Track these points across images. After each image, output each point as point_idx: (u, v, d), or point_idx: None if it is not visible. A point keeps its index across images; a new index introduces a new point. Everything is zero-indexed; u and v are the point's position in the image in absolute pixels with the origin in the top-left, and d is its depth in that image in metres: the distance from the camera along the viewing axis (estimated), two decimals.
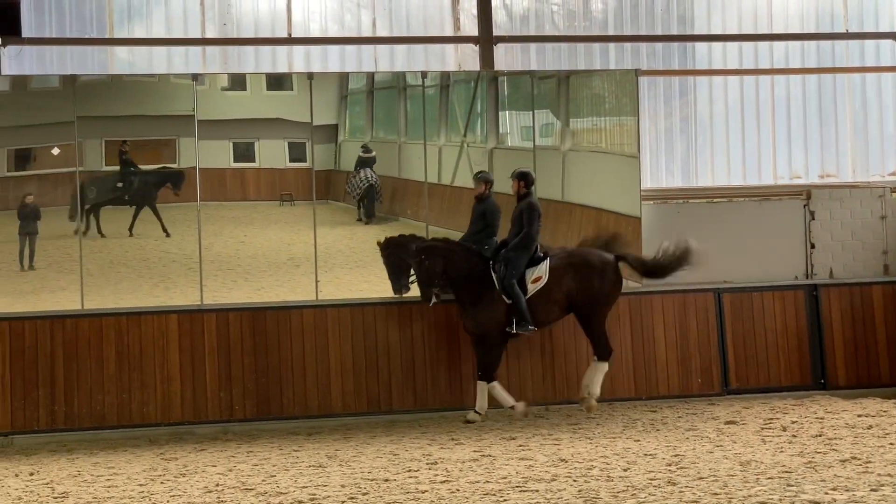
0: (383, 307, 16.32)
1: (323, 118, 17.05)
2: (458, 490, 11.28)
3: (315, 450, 14.04)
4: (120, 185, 16.70)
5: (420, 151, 17.18)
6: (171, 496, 11.58)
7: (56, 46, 15.73)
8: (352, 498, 11.09)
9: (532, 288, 15.65)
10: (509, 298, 15.52)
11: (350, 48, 16.78)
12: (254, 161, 17.59)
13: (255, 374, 15.90)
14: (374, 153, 17.44)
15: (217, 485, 12.03)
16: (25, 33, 15.58)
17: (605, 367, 15.83)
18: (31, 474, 13.07)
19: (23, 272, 16.41)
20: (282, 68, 16.70)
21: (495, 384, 15.71)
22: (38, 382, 15.36)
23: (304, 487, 11.68)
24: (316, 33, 16.57)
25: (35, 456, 14.32)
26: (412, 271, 15.83)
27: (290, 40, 16.42)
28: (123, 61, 16.19)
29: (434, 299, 15.72)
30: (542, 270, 15.72)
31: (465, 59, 16.99)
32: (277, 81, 17.38)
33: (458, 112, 17.92)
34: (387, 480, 11.89)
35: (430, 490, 11.32)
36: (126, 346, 15.67)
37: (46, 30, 15.64)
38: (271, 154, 17.52)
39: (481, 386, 15.70)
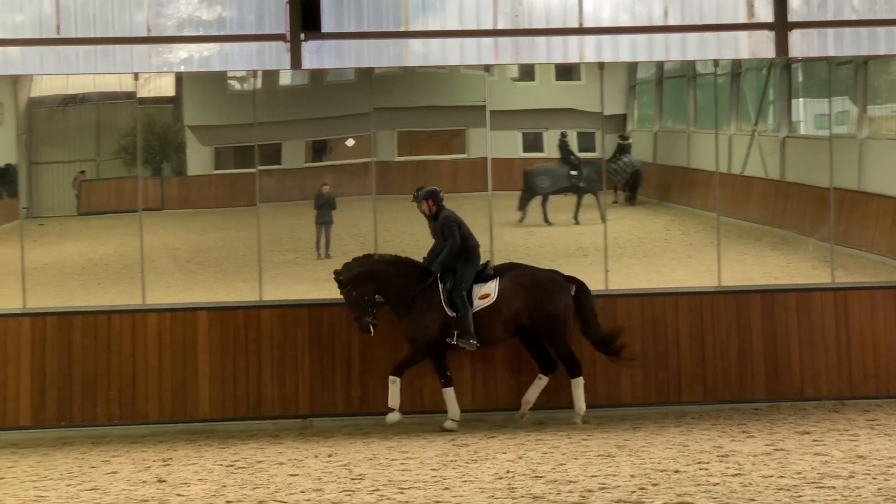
0: (672, 297, 16.16)
1: (610, 108, 17.00)
2: (750, 484, 11.08)
3: (604, 439, 14.02)
4: (574, 173, 17.05)
5: (708, 140, 16.94)
6: (463, 481, 11.74)
7: (354, 40, 16.10)
8: (641, 488, 11.03)
9: (479, 304, 15.36)
10: (454, 310, 15.26)
11: (641, 37, 16.64)
12: (542, 151, 17.67)
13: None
14: (631, 140, 17.32)
15: (507, 471, 12.15)
16: (325, 28, 16.01)
17: (581, 381, 15.37)
18: (330, 456, 13.48)
19: (319, 260, 16.90)
20: (572, 58, 16.69)
21: (397, 379, 15.21)
22: (336, 368, 15.80)
23: (593, 476, 11.68)
24: (606, 23, 16.51)
25: (333, 438, 14.76)
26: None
27: (580, 30, 16.41)
28: (418, 53, 16.46)
29: (372, 329, 15.26)
30: (491, 288, 15.41)
31: (759, 46, 16.61)
32: (566, 71, 17.41)
33: (748, 100, 17.60)
34: (677, 472, 11.78)
35: (721, 483, 11.16)
36: None
37: (345, 24, 16.03)
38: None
39: (447, 393, 15.34)
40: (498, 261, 15.97)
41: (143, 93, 16.47)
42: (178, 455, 13.85)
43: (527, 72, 17.32)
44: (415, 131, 17.40)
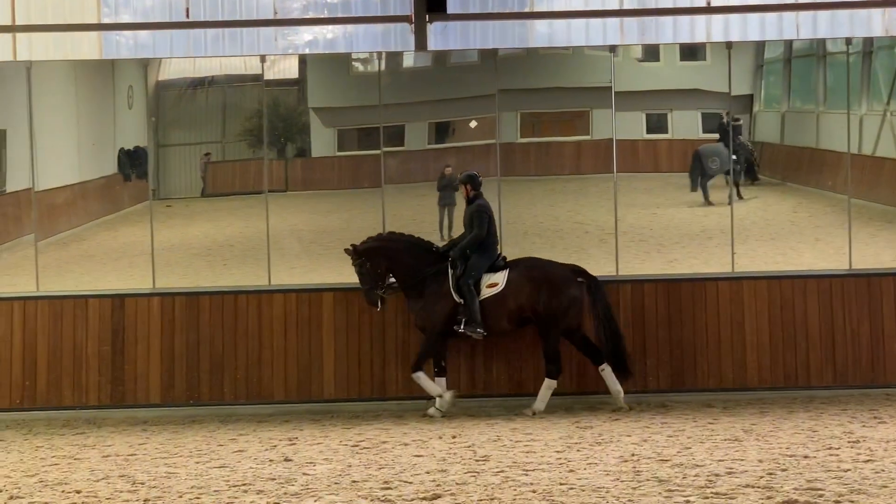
0: (801, 280, 15.92)
1: (737, 88, 16.77)
2: (882, 471, 10.87)
3: (730, 423, 13.87)
4: (734, 157, 16.99)
5: (838, 121, 16.63)
6: (587, 463, 11.69)
7: (478, 21, 16.07)
8: (770, 473, 10.87)
9: (486, 292, 15.30)
10: (461, 297, 15.21)
11: (770, 16, 16.36)
12: (666, 132, 17.48)
13: (669, 346, 15.84)
14: (741, 121, 17.03)
15: (632, 454, 12.07)
16: (450, 9, 16.01)
17: (553, 384, 15.24)
18: (454, 437, 13.51)
19: (442, 242, 16.92)
20: (699, 38, 16.49)
21: (420, 374, 15.26)
22: (459, 350, 15.81)
23: (720, 461, 11.55)
24: (735, 2, 16.24)
25: (456, 420, 14.79)
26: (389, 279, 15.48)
27: (708, 9, 16.18)
28: (542, 34, 16.38)
29: (381, 304, 15.40)
30: (500, 278, 15.33)
31: (893, 23, 16.25)
32: (691, 51, 17.20)
33: (881, 79, 17.22)
34: (806, 457, 11.61)
35: (852, 469, 10.96)
36: None
37: (470, 5, 16.00)
38: (684, 125, 17.38)
39: (440, 382, 15.34)
40: (623, 244, 15.90)
41: (268, 75, 16.61)
42: (303, 434, 13.98)
43: (651, 52, 17.14)
44: (537, 112, 17.33)
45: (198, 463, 12.41)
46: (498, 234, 15.67)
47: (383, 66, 16.68)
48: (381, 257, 15.40)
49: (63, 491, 11.19)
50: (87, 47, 16.20)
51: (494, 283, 15.33)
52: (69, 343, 15.83)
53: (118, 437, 14.20)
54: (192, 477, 11.65)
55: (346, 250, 15.45)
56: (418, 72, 17.43)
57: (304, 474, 11.58)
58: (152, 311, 15.79)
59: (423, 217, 17.08)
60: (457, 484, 10.89)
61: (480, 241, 15.38)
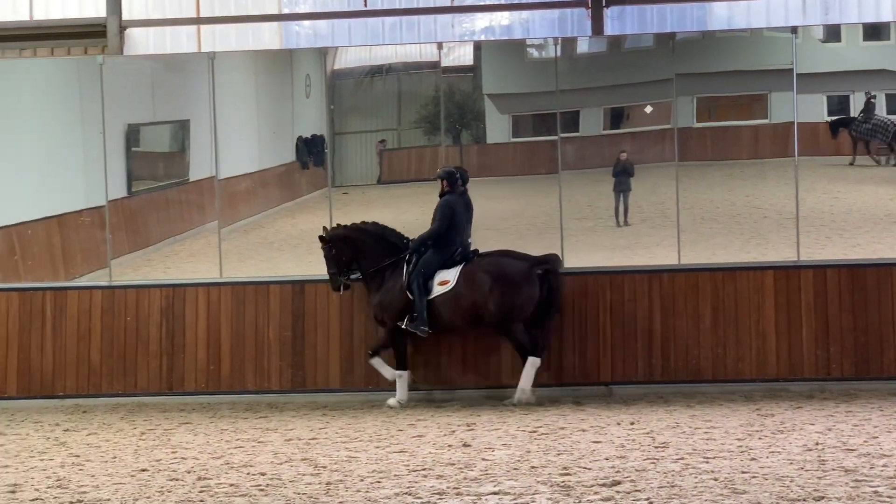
0: None
1: None
2: None
3: None
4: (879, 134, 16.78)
5: None
6: (769, 452, 11.52)
7: (655, 5, 15.91)
8: None
9: (438, 290, 15.17)
10: (411, 294, 15.16)
11: None
12: (848, 114, 17.10)
13: (853, 332, 15.49)
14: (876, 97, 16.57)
15: (816, 443, 11.86)
16: None
17: (537, 362, 15.09)
18: (632, 423, 13.42)
19: (618, 228, 16.82)
20: (885, 17, 16.04)
21: (404, 373, 15.42)
22: (637, 335, 15.71)
23: None
24: None
25: (634, 406, 14.69)
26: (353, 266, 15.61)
27: None
28: (721, 17, 16.14)
29: (343, 289, 15.56)
30: (451, 275, 15.20)
31: None
32: (874, 31, 16.78)
33: None
34: None
35: None
36: (721, 301, 15.69)
37: None
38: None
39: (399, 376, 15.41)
40: (803, 229, 15.65)
41: (444, 62, 16.68)
42: (481, 420, 14.04)
43: (833, 32, 16.76)
44: (714, 96, 17.10)
45: (378, 447, 12.55)
46: (464, 231, 15.50)
47: (559, 52, 16.62)
48: (346, 245, 15.56)
49: (248, 473, 11.43)
50: (267, 37, 16.49)
51: (446, 280, 15.27)
52: (251, 328, 16.13)
53: (299, 422, 14.44)
54: (373, 461, 11.80)
55: (320, 235, 15.64)
56: (593, 57, 17.34)
57: (483, 459, 11.64)
58: (332, 296, 15.98)
59: (598, 203, 17.01)
60: (636, 471, 10.84)
61: (439, 236, 15.32)
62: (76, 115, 17.48)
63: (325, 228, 15.70)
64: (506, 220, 17.51)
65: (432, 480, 10.78)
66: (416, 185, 17.67)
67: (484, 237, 16.07)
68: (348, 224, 15.76)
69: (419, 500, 10.06)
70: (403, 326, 15.23)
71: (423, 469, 11.30)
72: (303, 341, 16.11)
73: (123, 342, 16.13)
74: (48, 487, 11.09)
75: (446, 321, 15.28)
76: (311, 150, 17.58)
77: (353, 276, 15.66)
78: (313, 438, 13.27)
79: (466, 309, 15.23)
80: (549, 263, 15.37)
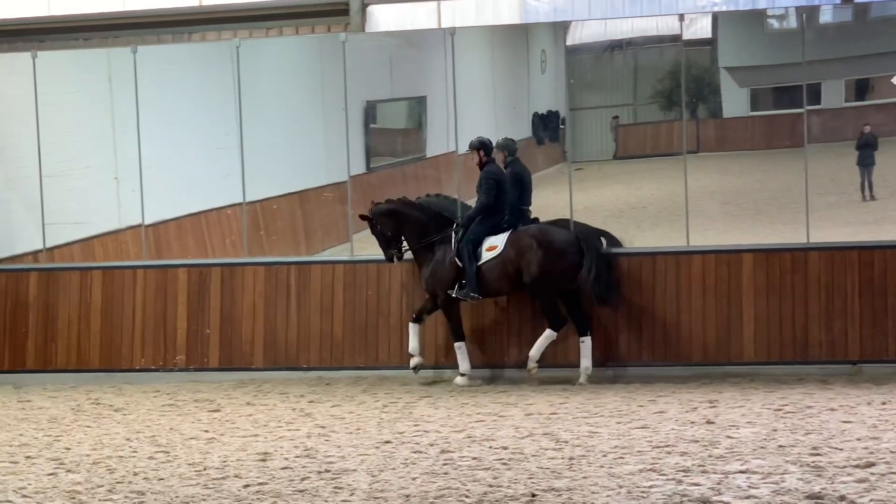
0: None
1: None
2: None
3: None
4: None
5: None
6: None
7: None
8: None
9: (486, 256, 15.35)
10: (461, 262, 15.31)
11: None
12: None
13: None
14: None
15: None
16: None
17: (553, 335, 15.24)
18: (884, 403, 12.96)
19: (864, 202, 16.37)
20: None
21: (462, 344, 15.60)
22: (888, 312, 15.18)
23: None
24: None
25: (885, 385, 14.18)
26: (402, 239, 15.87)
27: None
28: None
29: (395, 260, 15.86)
30: (500, 241, 15.33)
31: None
32: None
33: None
34: None
35: None
36: None
37: None
38: None
39: (459, 347, 15.58)
40: None
41: (683, 35, 16.43)
42: (723, 397, 13.80)
43: None
44: None
45: (619, 423, 12.47)
46: (508, 199, 15.49)
47: (805, 22, 16.20)
48: (390, 220, 15.78)
49: (490, 447, 11.49)
50: (506, 13, 16.47)
51: (493, 246, 15.37)
52: (490, 303, 16.13)
53: (539, 396, 14.44)
54: (614, 437, 11.72)
55: (360, 214, 15.98)
56: (837, 27, 16.87)
57: (728, 437, 11.44)
58: None
59: (840, 177, 16.57)
60: (891, 452, 10.50)
61: (488, 208, 15.35)
62: (318, 92, 17.85)
63: (372, 203, 16.05)
64: (745, 195, 17.26)
65: (676, 457, 10.65)
66: (652, 160, 17.50)
67: (725, 212, 15.83)
68: (394, 199, 16.03)
69: (663, 477, 9.94)
70: (454, 295, 15.48)
71: (667, 445, 11.17)
72: (541, 317, 16.05)
73: (365, 316, 16.39)
74: (296, 457, 11.35)
75: (494, 287, 15.51)
76: (546, 126, 17.57)
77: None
78: (554, 413, 13.25)
79: (511, 273, 15.36)
80: (591, 240, 15.42)
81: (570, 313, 15.43)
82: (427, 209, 15.91)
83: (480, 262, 15.44)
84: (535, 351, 15.38)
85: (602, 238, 15.60)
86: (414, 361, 15.73)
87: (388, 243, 15.89)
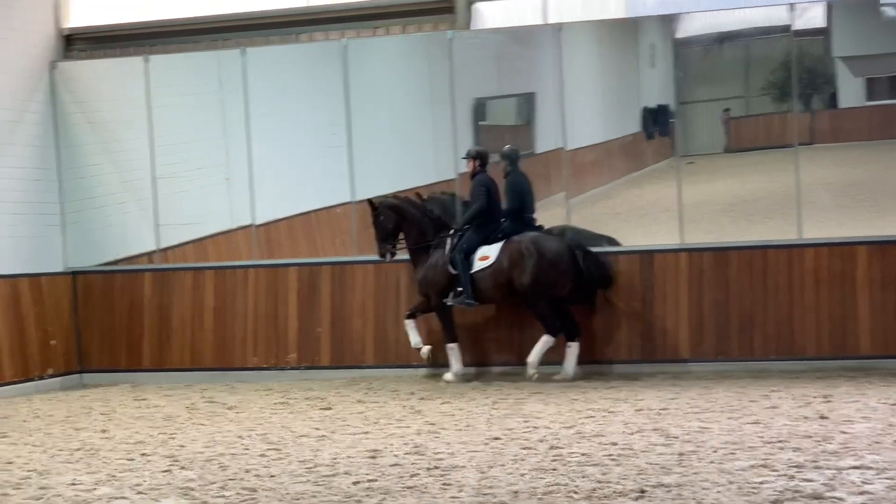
0: None
1: None
2: None
3: None
4: None
5: None
6: None
7: None
8: None
9: (479, 265, 15.49)
10: (454, 269, 15.46)
11: None
12: None
13: None
14: None
15: None
16: None
17: (551, 341, 15.37)
18: None
19: None
20: None
21: (454, 345, 15.87)
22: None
23: None
24: None
25: None
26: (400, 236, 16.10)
27: None
28: None
29: (388, 257, 16.06)
30: (492, 251, 15.48)
31: None
32: None
33: None
34: None
35: None
36: None
37: None
38: None
39: (452, 349, 15.86)
40: None
41: (795, 25, 16.19)
42: (838, 392, 13.57)
43: None
44: None
45: (730, 418, 12.31)
46: (500, 209, 15.74)
47: None
48: (393, 214, 16.03)
49: (600, 443, 11.41)
50: (613, 7, 16.39)
51: (486, 256, 15.46)
52: (599, 299, 16.01)
53: (649, 392, 14.33)
54: (725, 432, 11.58)
55: (369, 199, 16.26)
56: None
57: (842, 432, 11.24)
58: (680, 266, 15.80)
59: None
60: None
61: (482, 214, 15.45)
62: (425, 90, 17.88)
63: (378, 198, 16.29)
64: (860, 187, 16.95)
65: (789, 453, 10.48)
66: (764, 152, 17.26)
67: (840, 204, 15.55)
68: (401, 196, 16.32)
69: (775, 473, 9.79)
70: (449, 303, 15.68)
71: (779, 441, 11.00)
72: (651, 311, 15.96)
73: (473, 314, 16.38)
74: (406, 454, 11.37)
75: (486, 295, 15.66)
76: (656, 120, 17.41)
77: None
78: (664, 409, 13.13)
79: (502, 283, 15.46)
80: (584, 248, 15.61)
81: (560, 319, 15.59)
82: (429, 212, 16.23)
83: (472, 272, 15.67)
84: (534, 356, 15.54)
85: (604, 240, 16.01)
86: (423, 352, 16.09)
87: (386, 237, 16.15)
